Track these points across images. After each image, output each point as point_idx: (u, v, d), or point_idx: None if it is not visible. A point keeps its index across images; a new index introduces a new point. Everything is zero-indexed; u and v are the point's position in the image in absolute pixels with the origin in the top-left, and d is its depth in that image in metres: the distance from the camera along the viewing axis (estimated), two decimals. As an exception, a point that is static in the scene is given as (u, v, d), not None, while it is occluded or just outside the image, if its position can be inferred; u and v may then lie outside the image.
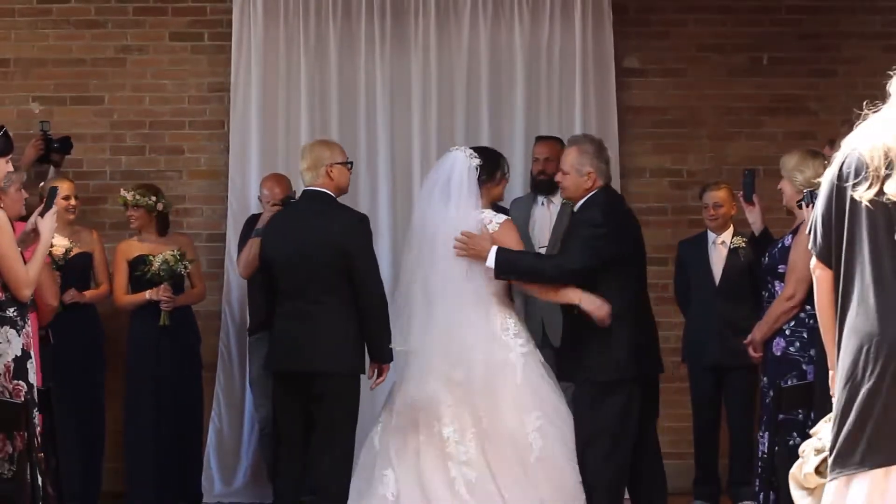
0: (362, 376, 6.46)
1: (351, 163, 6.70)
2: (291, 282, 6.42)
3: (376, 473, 6.28)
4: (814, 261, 3.95)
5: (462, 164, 6.50)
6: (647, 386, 6.46)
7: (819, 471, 3.83)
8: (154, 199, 7.74)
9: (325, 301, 6.34)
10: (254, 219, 7.68)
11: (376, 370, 6.45)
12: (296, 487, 6.62)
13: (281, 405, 6.64)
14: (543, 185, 7.64)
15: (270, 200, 7.42)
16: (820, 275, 3.93)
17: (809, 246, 3.97)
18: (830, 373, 3.95)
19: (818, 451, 3.84)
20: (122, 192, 7.78)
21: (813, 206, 5.99)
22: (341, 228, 6.35)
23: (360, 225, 6.44)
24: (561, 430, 6.33)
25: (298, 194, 7.55)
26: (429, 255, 6.43)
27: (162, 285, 7.57)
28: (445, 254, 6.40)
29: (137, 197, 7.71)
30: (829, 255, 3.87)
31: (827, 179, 3.91)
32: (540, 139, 7.93)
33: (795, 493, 3.92)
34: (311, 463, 6.51)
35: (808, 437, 5.78)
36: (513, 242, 6.45)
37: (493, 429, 6.27)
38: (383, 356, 6.43)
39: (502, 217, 6.56)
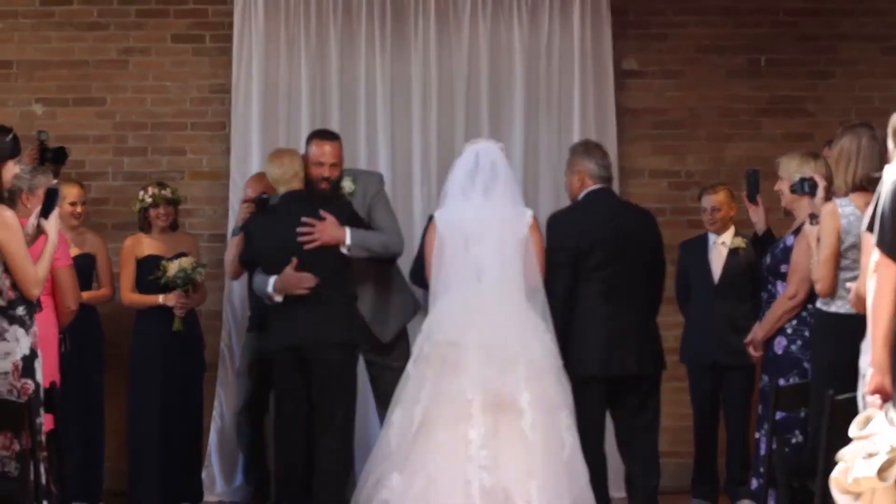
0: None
1: None
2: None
3: (383, 476, 6.20)
4: (877, 256, 3.89)
5: (500, 155, 6.53)
6: (625, 387, 6.64)
7: (880, 474, 3.78)
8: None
9: (323, 292, 6.65)
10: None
11: None
12: (297, 474, 6.74)
13: (282, 388, 6.85)
14: (324, 194, 6.99)
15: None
16: (885, 271, 3.87)
17: (874, 242, 3.87)
18: (870, 371, 3.92)
19: (871, 455, 3.79)
20: (153, 192, 7.77)
21: (810, 195, 6.05)
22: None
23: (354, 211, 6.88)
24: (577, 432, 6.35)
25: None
26: (477, 251, 6.38)
27: (176, 291, 7.60)
28: (501, 250, 6.38)
29: (175, 193, 7.80)
30: None
31: (894, 176, 3.87)
32: (319, 137, 7.14)
33: (840, 497, 3.88)
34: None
35: (808, 434, 5.85)
36: (541, 237, 6.55)
37: (535, 427, 6.18)
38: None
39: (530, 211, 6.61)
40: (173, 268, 7.54)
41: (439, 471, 6.12)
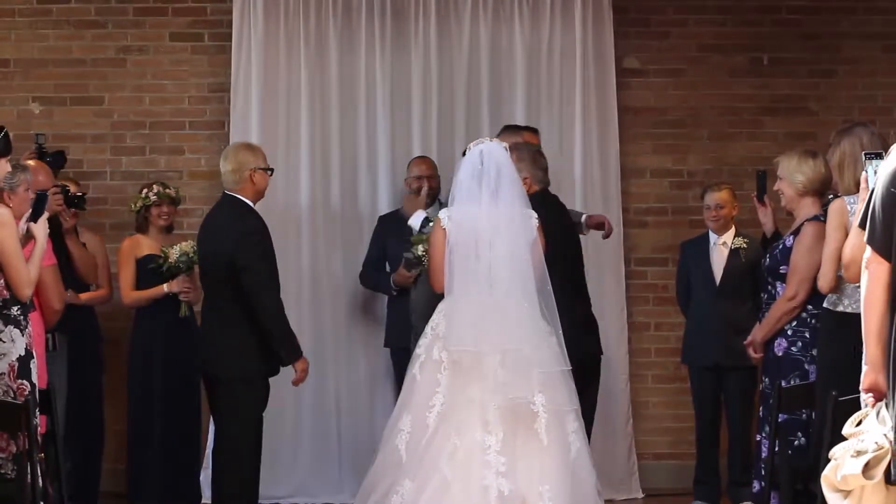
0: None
1: (272, 169, 6.81)
2: (205, 285, 6.79)
3: (393, 485, 6.09)
4: (868, 253, 3.90)
5: (504, 155, 6.42)
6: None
7: (865, 472, 3.77)
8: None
9: (220, 307, 6.56)
10: None
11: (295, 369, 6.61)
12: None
13: None
14: None
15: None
16: (876, 268, 3.88)
17: (865, 239, 3.91)
18: (864, 368, 3.94)
19: (860, 453, 3.77)
20: (157, 189, 7.72)
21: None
22: (233, 240, 6.47)
23: (245, 239, 6.49)
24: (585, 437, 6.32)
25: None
26: (490, 255, 6.28)
27: (181, 276, 7.57)
28: (513, 255, 6.29)
29: (178, 194, 7.79)
30: (888, 247, 3.82)
31: (888, 171, 3.87)
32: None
33: (830, 495, 3.87)
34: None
35: (810, 435, 5.82)
36: (543, 239, 6.50)
37: (549, 430, 6.12)
38: (289, 358, 6.57)
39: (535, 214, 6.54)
40: (174, 253, 7.53)
41: (454, 475, 6.02)
